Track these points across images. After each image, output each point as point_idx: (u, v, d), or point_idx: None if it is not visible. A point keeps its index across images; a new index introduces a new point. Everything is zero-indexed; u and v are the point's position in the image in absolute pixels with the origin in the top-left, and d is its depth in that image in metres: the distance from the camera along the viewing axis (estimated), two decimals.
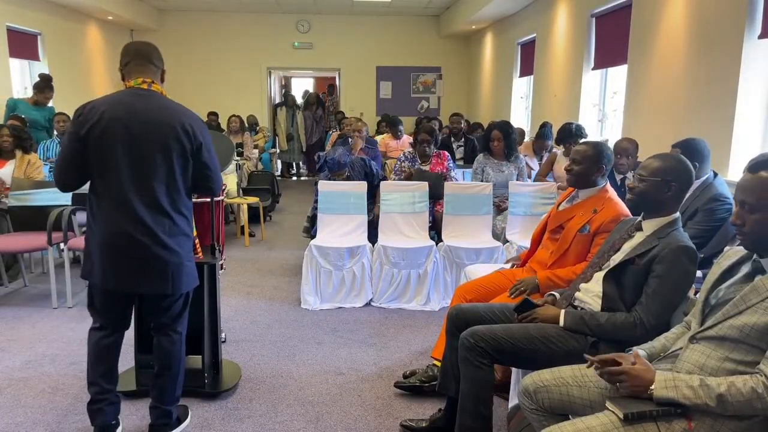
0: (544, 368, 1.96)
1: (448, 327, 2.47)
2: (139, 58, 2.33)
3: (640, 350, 1.82)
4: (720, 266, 1.76)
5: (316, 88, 16.23)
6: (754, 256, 1.64)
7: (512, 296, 2.59)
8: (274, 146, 10.97)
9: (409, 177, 4.67)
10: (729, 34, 4.01)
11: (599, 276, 2.18)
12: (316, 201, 4.59)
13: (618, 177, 4.01)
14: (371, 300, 4.24)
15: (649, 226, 2.13)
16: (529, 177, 5.24)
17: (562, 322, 2.16)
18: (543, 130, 5.75)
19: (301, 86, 16.59)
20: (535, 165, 5.70)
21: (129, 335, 2.52)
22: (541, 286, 2.57)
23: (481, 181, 4.74)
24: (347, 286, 4.20)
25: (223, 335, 3.31)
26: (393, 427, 2.65)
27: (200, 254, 3.00)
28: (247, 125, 9.72)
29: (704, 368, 1.61)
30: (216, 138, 3.24)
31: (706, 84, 4.27)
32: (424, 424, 2.56)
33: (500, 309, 2.42)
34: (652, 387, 1.59)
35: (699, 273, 2.33)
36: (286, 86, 15.57)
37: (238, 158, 7.32)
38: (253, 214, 6.54)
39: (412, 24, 11.94)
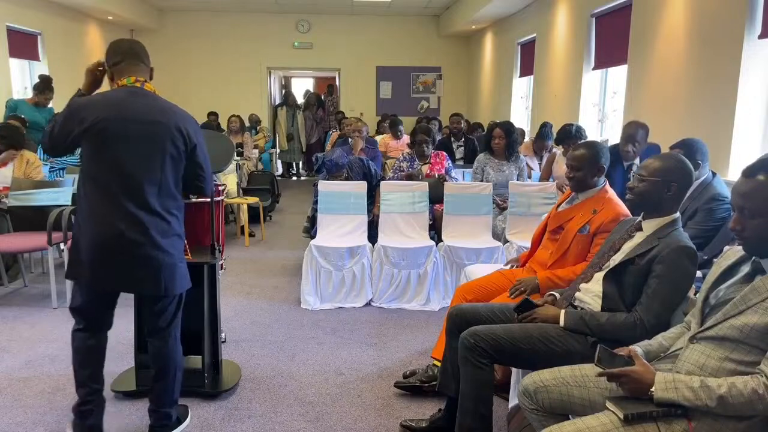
0: (544, 368, 1.96)
1: (448, 327, 2.47)
2: (132, 57, 2.32)
3: (638, 348, 1.82)
4: (720, 266, 1.75)
5: (316, 88, 16.22)
6: (754, 257, 1.64)
7: (512, 296, 2.59)
8: (274, 146, 10.97)
9: (410, 177, 4.68)
10: (729, 34, 4.02)
11: (599, 276, 2.18)
12: (315, 202, 4.59)
13: (625, 164, 3.97)
14: (371, 300, 4.24)
15: (649, 226, 2.13)
16: (529, 177, 5.24)
17: (562, 322, 2.16)
18: (543, 131, 5.75)
19: (301, 86, 16.57)
20: (535, 165, 5.71)
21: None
22: (541, 287, 2.57)
23: (481, 180, 4.74)
24: (347, 286, 4.20)
25: (223, 335, 3.31)
26: (393, 427, 2.65)
27: (188, 255, 2.98)
28: (248, 124, 9.73)
29: (704, 368, 1.61)
30: (216, 138, 3.24)
31: (706, 84, 4.27)
32: (424, 424, 2.56)
33: (500, 309, 2.42)
34: (653, 389, 1.59)
35: (699, 273, 2.33)
36: (286, 86, 15.56)
37: (238, 158, 7.32)
38: (253, 214, 6.53)
39: (411, 24, 11.95)
